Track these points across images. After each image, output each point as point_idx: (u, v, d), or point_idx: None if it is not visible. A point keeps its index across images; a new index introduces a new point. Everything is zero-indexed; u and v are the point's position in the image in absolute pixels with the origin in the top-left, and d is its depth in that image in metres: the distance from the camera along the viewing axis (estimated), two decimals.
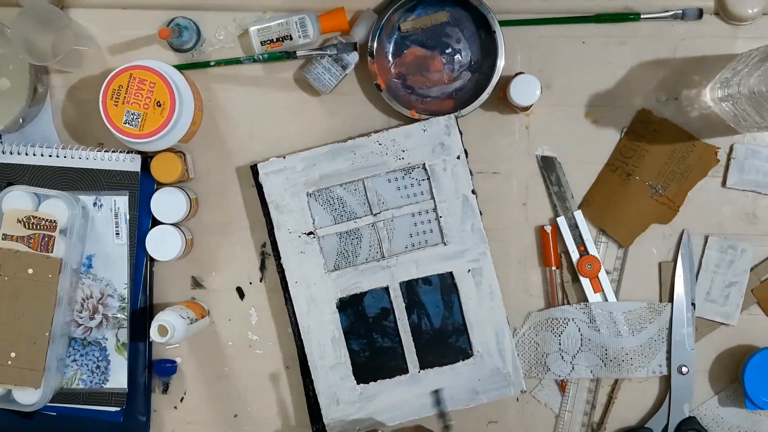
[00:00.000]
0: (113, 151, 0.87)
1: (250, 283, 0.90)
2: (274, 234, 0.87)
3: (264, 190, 0.87)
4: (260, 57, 0.87)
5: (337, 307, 0.87)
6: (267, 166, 0.87)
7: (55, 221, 0.84)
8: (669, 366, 0.87)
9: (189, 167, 0.89)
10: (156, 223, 0.87)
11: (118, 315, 0.87)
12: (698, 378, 0.88)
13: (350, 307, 0.87)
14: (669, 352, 0.87)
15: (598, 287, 0.88)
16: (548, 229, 0.88)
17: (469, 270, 0.87)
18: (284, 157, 0.87)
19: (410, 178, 0.87)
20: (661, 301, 0.88)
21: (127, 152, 0.87)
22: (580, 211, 0.88)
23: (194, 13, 0.88)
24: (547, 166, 0.89)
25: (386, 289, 0.87)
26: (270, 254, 0.89)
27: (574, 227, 0.88)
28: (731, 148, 0.88)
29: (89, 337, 0.88)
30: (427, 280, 0.87)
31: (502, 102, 0.88)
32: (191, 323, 0.84)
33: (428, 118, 0.86)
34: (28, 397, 0.84)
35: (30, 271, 0.83)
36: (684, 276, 0.87)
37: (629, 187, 0.88)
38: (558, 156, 0.89)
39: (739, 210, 0.88)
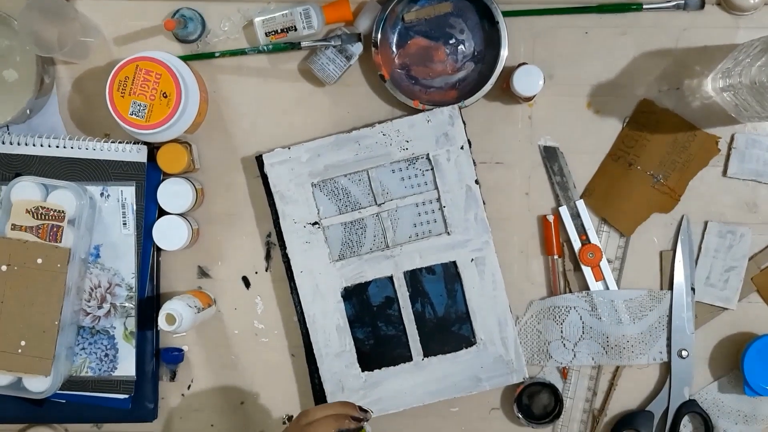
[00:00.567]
0: (120, 142, 0.88)
1: (256, 272, 0.91)
2: (280, 224, 0.88)
3: (269, 180, 0.88)
4: (265, 48, 0.88)
5: (342, 296, 0.88)
6: (272, 157, 0.87)
7: (63, 211, 0.84)
8: (669, 351, 0.89)
9: (195, 158, 0.89)
10: (162, 213, 0.88)
11: (126, 304, 0.88)
12: (699, 364, 0.89)
13: (355, 296, 0.88)
14: (669, 338, 0.89)
15: (599, 276, 0.89)
16: (550, 218, 0.89)
17: (472, 259, 0.88)
18: (289, 148, 0.87)
19: (414, 169, 0.88)
20: (662, 289, 0.89)
21: (134, 143, 0.88)
22: (582, 200, 0.89)
23: (199, 4, 0.89)
24: (550, 156, 0.89)
25: (390, 279, 0.88)
26: (275, 244, 0.90)
27: (576, 217, 0.89)
28: (732, 138, 0.88)
29: (98, 325, 0.89)
30: (430, 270, 0.88)
31: (505, 92, 0.89)
32: (198, 312, 0.85)
33: (432, 109, 0.87)
34: (38, 385, 0.85)
35: (39, 261, 0.84)
36: (684, 261, 0.88)
37: (631, 177, 0.89)
38: (560, 146, 0.89)
39: (739, 199, 0.89)
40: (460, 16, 0.88)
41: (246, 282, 0.91)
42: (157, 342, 0.91)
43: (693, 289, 0.89)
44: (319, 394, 0.89)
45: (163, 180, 0.88)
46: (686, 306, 0.89)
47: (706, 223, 0.89)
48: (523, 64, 0.85)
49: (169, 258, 0.91)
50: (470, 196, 0.87)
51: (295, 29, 0.87)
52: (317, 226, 0.88)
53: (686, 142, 0.89)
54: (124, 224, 0.88)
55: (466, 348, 0.88)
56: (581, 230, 0.89)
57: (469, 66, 0.89)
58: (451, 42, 0.89)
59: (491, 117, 0.90)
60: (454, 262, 0.88)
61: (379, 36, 0.87)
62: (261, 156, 0.88)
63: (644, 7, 0.88)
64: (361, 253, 0.88)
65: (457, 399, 0.89)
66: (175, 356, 0.90)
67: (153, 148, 0.88)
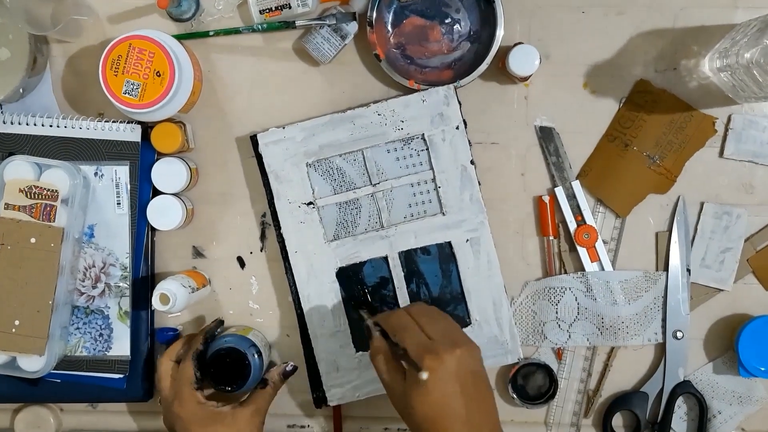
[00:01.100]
0: (113, 122, 0.88)
1: (251, 252, 0.91)
2: (274, 204, 0.88)
3: (264, 160, 0.87)
4: (259, 27, 0.87)
5: (336, 276, 0.88)
6: (266, 137, 0.87)
7: (56, 191, 0.84)
8: (664, 332, 0.89)
9: (189, 137, 0.89)
10: (157, 193, 0.88)
11: (120, 284, 0.88)
12: (694, 345, 0.90)
13: (350, 277, 0.88)
14: (664, 319, 0.89)
15: (595, 257, 0.89)
16: (546, 199, 0.89)
17: (467, 240, 0.87)
18: (284, 128, 0.87)
19: (409, 149, 0.87)
20: (657, 270, 0.89)
21: (128, 122, 0.88)
22: (578, 181, 0.89)
23: None
24: (546, 136, 0.89)
25: (385, 259, 0.88)
26: (270, 224, 0.90)
27: (571, 197, 0.89)
28: (729, 119, 0.88)
29: (92, 305, 0.89)
30: (425, 250, 0.88)
31: (501, 72, 0.88)
32: (192, 292, 0.85)
33: (427, 89, 0.86)
34: (32, 364, 0.85)
35: (32, 240, 0.84)
36: (679, 242, 0.88)
37: (627, 158, 0.88)
38: (556, 126, 0.89)
39: (736, 180, 0.89)
40: None
41: (241, 262, 0.91)
42: (151, 322, 0.91)
43: (688, 271, 0.89)
44: (314, 375, 0.89)
45: (158, 159, 0.88)
46: (681, 287, 0.89)
47: (702, 204, 0.89)
48: (519, 43, 0.85)
49: (164, 238, 0.91)
50: (465, 176, 0.87)
51: (290, 7, 0.87)
52: (312, 206, 0.88)
53: (683, 123, 0.88)
54: (118, 204, 0.88)
55: (461, 328, 0.88)
56: (577, 211, 0.89)
57: (464, 45, 0.89)
58: (446, 21, 0.88)
59: (487, 97, 0.89)
60: (449, 243, 0.88)
61: (374, 15, 0.86)
62: (255, 135, 0.87)
63: None
64: (356, 233, 0.88)
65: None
66: (170, 336, 0.90)
67: (147, 128, 0.88)
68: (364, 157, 0.87)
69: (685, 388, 0.89)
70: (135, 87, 0.82)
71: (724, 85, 0.87)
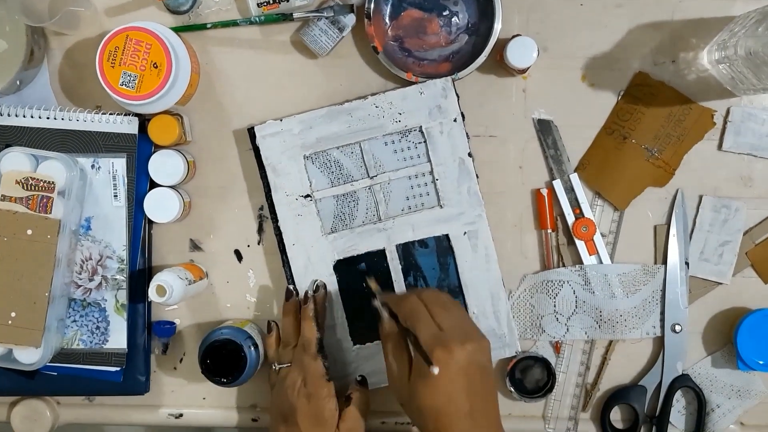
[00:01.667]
0: (111, 114, 0.87)
1: (248, 245, 0.91)
2: (272, 197, 0.87)
3: (261, 153, 0.87)
4: (257, 19, 0.87)
5: (334, 269, 0.88)
6: (264, 129, 0.87)
7: (53, 182, 0.84)
8: (662, 326, 0.88)
9: (186, 130, 0.89)
10: (154, 185, 0.88)
11: (117, 276, 0.88)
12: (692, 339, 0.89)
13: (347, 269, 0.88)
14: (663, 313, 0.88)
15: (593, 250, 0.88)
16: (544, 192, 0.89)
17: (465, 232, 0.87)
18: (281, 120, 0.87)
19: (407, 141, 0.87)
20: (655, 263, 0.89)
21: (125, 114, 0.87)
22: (576, 174, 0.89)
23: None
24: (544, 129, 0.89)
25: (383, 252, 0.88)
26: (267, 217, 0.90)
27: (570, 190, 0.89)
28: (728, 111, 0.88)
29: (89, 298, 0.89)
30: (423, 243, 0.88)
31: (499, 65, 0.88)
32: (189, 284, 0.85)
33: (425, 81, 0.86)
34: (28, 357, 0.85)
35: (29, 232, 0.83)
36: (678, 235, 0.88)
37: (625, 151, 0.88)
38: (554, 119, 0.89)
39: (734, 173, 0.88)
40: None
41: (238, 255, 0.91)
42: (148, 315, 0.90)
43: (687, 264, 0.88)
44: None
45: (155, 152, 0.88)
46: (680, 280, 0.88)
47: (700, 198, 0.89)
48: (517, 36, 0.85)
49: (161, 231, 0.91)
50: (463, 169, 0.87)
51: (288, 0, 0.86)
52: (309, 198, 0.87)
53: (681, 116, 0.88)
54: (115, 196, 0.88)
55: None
56: (575, 204, 0.89)
57: (462, 38, 0.88)
58: (444, 14, 0.88)
59: (485, 90, 0.89)
60: (447, 236, 0.87)
61: (372, 7, 0.86)
62: (253, 128, 0.87)
63: None
64: (353, 226, 0.88)
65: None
66: (167, 329, 0.90)
67: (144, 120, 0.88)
68: (361, 150, 0.87)
69: (683, 381, 0.88)
70: (132, 78, 0.82)
71: (723, 77, 0.87)
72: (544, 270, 0.89)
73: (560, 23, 0.88)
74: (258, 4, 0.87)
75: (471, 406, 0.71)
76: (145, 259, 0.89)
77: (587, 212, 0.88)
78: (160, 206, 0.87)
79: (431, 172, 0.87)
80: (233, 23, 0.88)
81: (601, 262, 0.88)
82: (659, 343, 0.89)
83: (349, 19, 0.87)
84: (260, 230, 0.91)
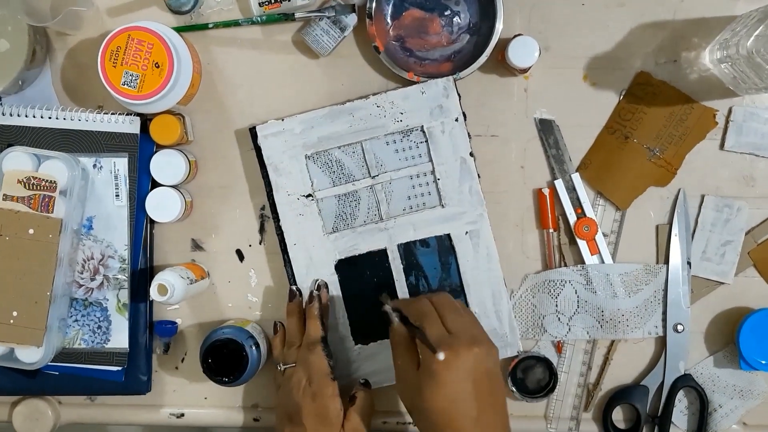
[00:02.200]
0: (112, 113, 0.88)
1: (250, 245, 0.91)
2: (273, 196, 0.87)
3: (263, 152, 0.87)
4: (258, 19, 0.87)
5: (335, 269, 0.88)
6: (265, 129, 0.87)
7: (55, 182, 0.84)
8: (664, 325, 0.88)
9: (188, 130, 0.89)
10: (156, 185, 0.88)
11: (119, 276, 0.88)
12: (694, 339, 0.89)
13: (348, 269, 0.88)
14: (665, 312, 0.88)
15: (595, 249, 0.88)
16: (546, 191, 0.88)
17: (466, 232, 0.87)
18: (283, 120, 0.87)
19: (408, 141, 0.87)
20: (657, 263, 0.89)
21: (127, 114, 0.88)
22: (577, 173, 0.88)
23: None
24: (546, 128, 0.89)
25: (384, 251, 0.88)
26: (269, 217, 0.90)
27: (571, 190, 0.88)
28: (730, 111, 0.88)
29: (90, 297, 0.89)
30: (424, 242, 0.88)
31: (500, 64, 0.88)
32: (191, 284, 0.85)
33: (426, 81, 0.86)
34: (30, 356, 0.85)
35: (31, 231, 0.84)
36: (680, 235, 0.88)
37: (627, 150, 0.88)
38: (556, 119, 0.89)
39: (736, 173, 0.88)
40: None
41: (240, 255, 0.91)
42: (150, 314, 0.90)
43: (689, 264, 0.88)
44: None
45: (156, 152, 0.88)
46: (682, 280, 0.88)
47: (702, 197, 0.88)
48: (519, 35, 0.85)
49: (163, 230, 0.91)
50: (465, 168, 0.87)
51: (289, 0, 0.87)
52: (311, 198, 0.87)
53: (683, 115, 0.88)
54: (117, 196, 0.88)
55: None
56: (577, 204, 0.88)
57: (464, 38, 0.88)
58: (446, 13, 0.88)
59: (486, 89, 0.89)
60: (449, 235, 0.87)
61: (373, 7, 0.86)
62: (254, 128, 0.87)
63: None
64: (354, 225, 0.88)
65: None
66: (169, 329, 0.90)
67: (146, 120, 0.88)
68: (363, 150, 0.87)
69: (685, 381, 0.88)
70: (134, 78, 0.82)
71: (725, 76, 0.87)
72: (546, 270, 0.89)
73: (562, 23, 0.88)
74: (260, 4, 0.87)
75: (479, 412, 0.70)
76: (146, 259, 0.89)
77: (589, 212, 0.88)
78: (161, 206, 0.87)
79: (433, 172, 0.87)
80: (235, 23, 0.88)
81: (602, 262, 0.88)
82: (661, 342, 0.89)
83: (351, 19, 0.87)
84: (262, 230, 0.91)
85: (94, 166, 0.88)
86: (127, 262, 0.88)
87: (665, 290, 0.88)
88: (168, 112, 0.87)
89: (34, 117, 0.87)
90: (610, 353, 0.90)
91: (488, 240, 0.87)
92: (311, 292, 0.86)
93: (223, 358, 0.84)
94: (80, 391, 0.91)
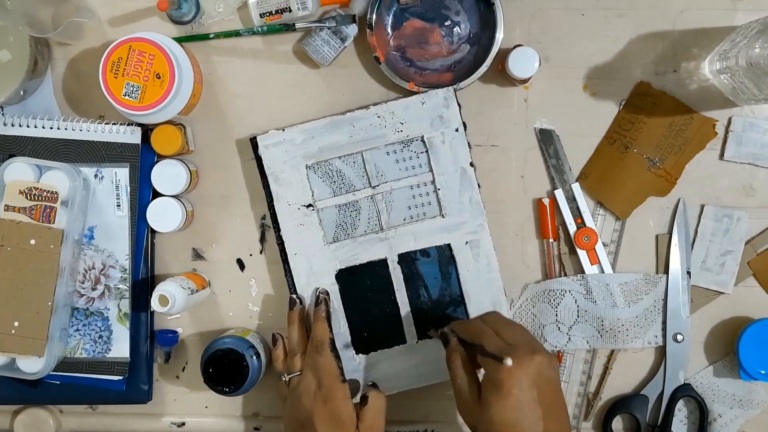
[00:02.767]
0: (114, 124, 0.88)
1: (251, 254, 0.91)
2: (274, 206, 0.88)
3: (263, 162, 0.87)
4: (259, 29, 0.87)
5: (336, 278, 0.88)
6: (266, 139, 0.87)
7: (56, 192, 0.84)
8: (664, 335, 0.88)
9: (189, 140, 0.89)
10: (156, 195, 0.88)
11: (120, 286, 0.88)
12: (694, 348, 0.89)
13: (349, 279, 0.88)
14: (664, 322, 0.88)
15: (594, 259, 0.88)
16: (546, 201, 0.89)
17: (466, 242, 0.87)
18: (283, 130, 0.87)
19: (409, 151, 0.87)
20: (657, 273, 0.89)
21: (128, 124, 0.88)
22: (577, 183, 0.89)
23: None
24: (546, 138, 0.89)
25: (385, 261, 0.88)
26: (270, 226, 0.90)
27: (571, 200, 0.89)
28: (729, 121, 0.88)
29: (91, 307, 0.89)
30: (425, 252, 0.88)
31: (500, 75, 0.88)
32: (192, 294, 0.85)
33: (427, 91, 0.86)
34: (31, 366, 0.85)
35: (32, 241, 0.84)
36: (679, 245, 0.88)
37: (627, 160, 0.88)
38: (556, 129, 0.89)
39: (736, 183, 0.88)
40: None
41: (240, 264, 0.91)
42: (151, 324, 0.91)
43: (689, 273, 0.88)
44: None
45: (157, 162, 0.88)
46: (682, 290, 0.88)
47: (702, 207, 0.89)
48: (519, 46, 0.85)
49: (164, 240, 0.91)
50: (465, 178, 0.87)
51: (290, 10, 0.87)
52: (311, 208, 0.88)
53: (683, 126, 0.88)
54: (118, 206, 0.88)
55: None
56: (576, 213, 0.89)
57: (464, 48, 0.89)
58: (446, 24, 0.88)
59: (486, 99, 0.89)
60: (449, 245, 0.87)
61: (374, 17, 0.86)
62: (255, 138, 0.87)
63: None
64: (355, 235, 0.88)
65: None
66: (170, 338, 0.91)
67: (147, 130, 0.88)
68: (363, 160, 0.87)
69: (685, 391, 0.88)
70: (135, 89, 0.82)
71: (724, 87, 0.87)
72: (546, 279, 0.90)
73: (562, 33, 0.88)
74: (261, 15, 0.87)
75: (544, 421, 0.69)
76: (147, 269, 0.90)
77: (589, 222, 0.88)
78: (162, 216, 0.87)
79: (433, 182, 0.87)
80: (236, 33, 0.88)
81: (602, 272, 0.89)
82: (661, 352, 0.89)
83: (351, 29, 0.87)
84: (262, 239, 0.91)
85: (96, 176, 0.88)
86: (128, 271, 0.88)
87: (665, 300, 0.88)
88: (169, 122, 0.87)
89: (35, 127, 0.88)
90: (610, 363, 0.90)
91: (488, 250, 0.87)
92: (318, 296, 0.86)
93: (224, 368, 0.84)
94: (81, 400, 0.92)
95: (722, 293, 0.89)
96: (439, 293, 0.88)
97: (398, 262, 0.88)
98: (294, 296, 0.87)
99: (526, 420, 0.69)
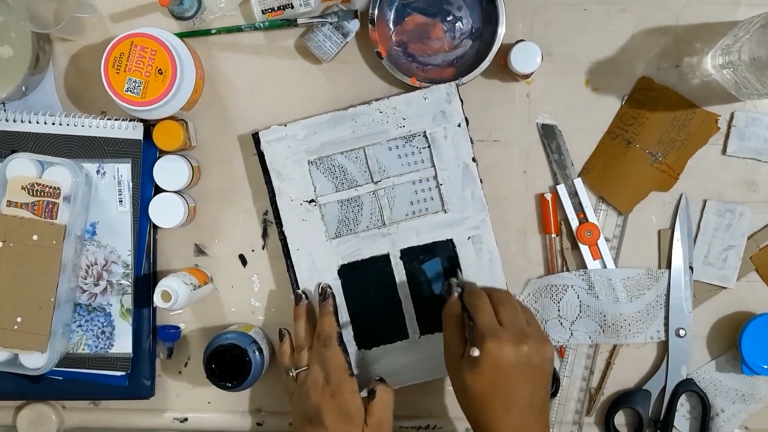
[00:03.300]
0: (116, 119, 0.88)
1: (253, 250, 0.91)
2: (276, 202, 0.88)
3: (265, 158, 0.87)
4: (261, 25, 0.87)
5: (338, 274, 0.88)
6: (268, 134, 0.87)
7: (58, 188, 0.84)
8: (666, 330, 0.88)
9: (191, 135, 0.89)
10: (159, 190, 0.88)
11: (123, 281, 0.89)
12: (696, 343, 0.89)
13: (351, 274, 0.88)
14: (667, 317, 0.88)
15: (597, 254, 0.88)
16: (548, 196, 0.89)
17: (469, 237, 0.87)
18: (285, 125, 0.87)
19: (411, 146, 0.87)
20: (660, 268, 0.89)
21: (130, 120, 0.88)
22: (580, 178, 0.89)
23: None
24: (548, 133, 0.89)
25: (387, 256, 0.88)
26: (272, 222, 0.90)
27: (573, 195, 0.89)
28: (732, 116, 0.88)
29: (94, 302, 0.89)
30: (427, 248, 0.88)
31: (502, 70, 0.88)
32: (194, 289, 0.85)
33: (429, 86, 0.86)
34: (34, 361, 0.86)
35: (35, 237, 0.84)
36: (682, 240, 0.88)
37: (629, 155, 0.88)
38: (558, 124, 0.89)
39: (738, 177, 0.88)
40: None
41: (243, 260, 0.91)
42: (153, 319, 0.91)
43: (691, 268, 0.88)
44: None
45: (160, 157, 0.88)
46: (684, 285, 0.88)
47: (704, 202, 0.89)
48: (521, 41, 0.85)
49: (166, 235, 0.91)
50: (467, 173, 0.87)
51: (292, 6, 0.87)
52: (314, 203, 0.88)
53: (685, 120, 0.88)
54: (120, 201, 0.88)
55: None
56: (579, 208, 0.89)
57: (466, 43, 0.89)
58: (448, 19, 0.88)
59: (489, 95, 0.89)
60: (451, 240, 0.87)
61: (375, 13, 0.86)
62: (257, 133, 0.87)
63: None
64: (357, 230, 0.88)
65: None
66: (172, 334, 0.91)
67: (149, 125, 0.88)
68: (365, 155, 0.87)
69: (687, 386, 0.88)
70: (137, 85, 0.82)
71: (727, 82, 0.87)
72: (548, 274, 0.90)
73: (564, 28, 0.88)
74: (263, 11, 0.87)
75: (515, 405, 0.72)
76: (150, 264, 0.90)
77: (591, 217, 0.88)
78: (165, 211, 0.87)
79: (435, 177, 0.87)
80: (237, 29, 0.88)
81: (605, 267, 0.88)
82: (663, 347, 0.89)
83: (353, 25, 0.87)
84: (265, 235, 0.91)
85: (98, 171, 0.88)
86: (130, 267, 0.88)
87: (667, 295, 0.88)
88: (171, 117, 0.87)
89: (37, 123, 0.88)
90: (613, 358, 0.90)
91: (491, 245, 0.87)
92: (324, 290, 0.85)
93: (227, 364, 0.84)
94: (84, 396, 0.92)
95: (724, 288, 0.89)
96: (441, 289, 0.88)
97: (400, 258, 0.88)
98: (299, 291, 0.87)
99: (497, 397, 0.73)
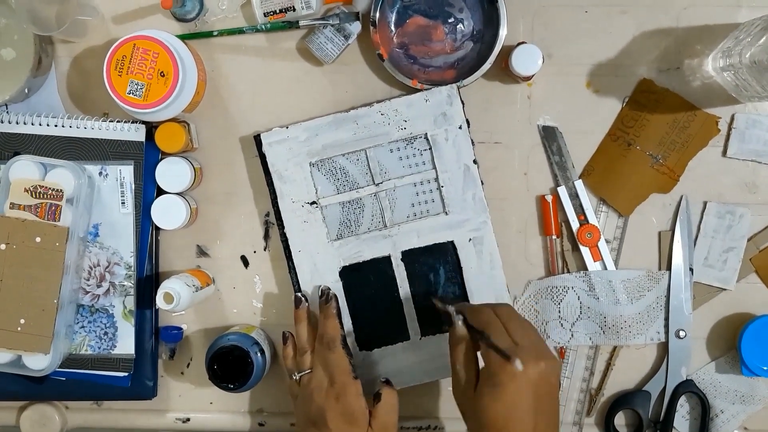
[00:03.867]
0: (118, 121, 0.88)
1: (254, 251, 0.92)
2: (278, 203, 0.88)
3: (267, 160, 0.88)
4: (263, 27, 0.87)
5: (339, 275, 0.88)
6: (270, 136, 0.87)
7: (61, 190, 0.85)
8: (667, 331, 0.89)
9: (193, 137, 0.89)
10: (161, 192, 0.89)
11: (125, 283, 0.89)
12: (696, 344, 0.90)
13: (353, 276, 0.88)
14: (667, 318, 0.89)
15: (597, 256, 0.89)
16: (549, 198, 0.89)
17: (470, 239, 0.88)
18: (287, 127, 0.87)
19: (412, 148, 0.88)
20: (660, 269, 0.89)
21: (132, 122, 0.88)
22: (580, 180, 0.89)
23: None
24: (549, 135, 0.89)
25: (388, 258, 0.88)
26: (274, 223, 0.91)
27: (574, 197, 0.89)
28: (732, 118, 0.88)
29: (97, 304, 0.89)
30: (428, 249, 0.88)
31: (504, 72, 0.88)
32: (196, 291, 0.86)
33: (430, 88, 0.87)
34: (37, 363, 0.86)
35: (38, 239, 0.84)
36: (682, 241, 0.88)
37: (630, 157, 0.88)
38: (559, 126, 0.89)
39: (739, 179, 0.89)
40: None
41: (245, 261, 0.92)
42: (156, 320, 0.91)
43: (691, 270, 0.89)
44: None
45: (162, 159, 0.88)
46: (684, 286, 0.89)
47: (705, 204, 0.89)
48: (522, 43, 0.85)
49: (168, 237, 0.91)
50: (468, 175, 0.87)
51: (294, 9, 0.87)
52: (315, 205, 0.88)
53: (686, 123, 0.88)
54: (123, 203, 0.89)
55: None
56: (579, 210, 0.89)
57: (467, 45, 0.89)
58: (450, 21, 0.88)
59: (490, 97, 0.89)
60: (452, 242, 0.88)
61: (377, 15, 0.87)
62: (259, 135, 0.87)
63: None
64: (359, 232, 0.88)
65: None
66: (174, 335, 0.91)
67: (151, 128, 0.88)
68: (367, 157, 0.88)
69: (687, 387, 0.89)
70: (139, 87, 0.82)
71: (728, 84, 0.87)
72: (549, 276, 0.90)
73: (565, 30, 0.88)
74: (264, 14, 0.87)
75: (535, 425, 0.69)
76: (152, 266, 0.90)
77: (592, 218, 0.89)
78: (167, 213, 0.88)
79: (436, 179, 0.87)
80: (239, 31, 0.89)
81: (605, 268, 0.89)
82: (663, 348, 0.90)
83: (355, 27, 0.87)
84: (266, 236, 0.91)
85: (100, 173, 0.88)
86: (133, 268, 0.89)
87: (667, 296, 0.89)
88: (173, 119, 0.87)
89: (40, 125, 0.88)
90: (613, 359, 0.90)
91: (491, 247, 0.88)
92: (327, 293, 0.85)
93: (229, 365, 0.84)
94: (87, 397, 0.92)
95: (724, 290, 0.89)
96: (443, 291, 0.88)
97: (401, 259, 0.88)
98: (299, 294, 0.87)
99: (517, 421, 0.69)
